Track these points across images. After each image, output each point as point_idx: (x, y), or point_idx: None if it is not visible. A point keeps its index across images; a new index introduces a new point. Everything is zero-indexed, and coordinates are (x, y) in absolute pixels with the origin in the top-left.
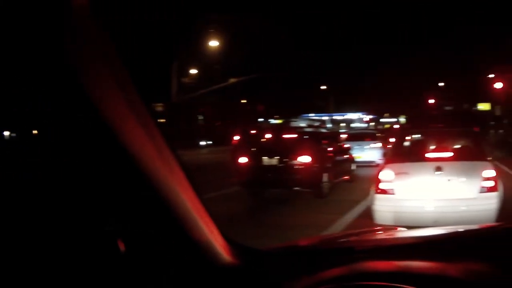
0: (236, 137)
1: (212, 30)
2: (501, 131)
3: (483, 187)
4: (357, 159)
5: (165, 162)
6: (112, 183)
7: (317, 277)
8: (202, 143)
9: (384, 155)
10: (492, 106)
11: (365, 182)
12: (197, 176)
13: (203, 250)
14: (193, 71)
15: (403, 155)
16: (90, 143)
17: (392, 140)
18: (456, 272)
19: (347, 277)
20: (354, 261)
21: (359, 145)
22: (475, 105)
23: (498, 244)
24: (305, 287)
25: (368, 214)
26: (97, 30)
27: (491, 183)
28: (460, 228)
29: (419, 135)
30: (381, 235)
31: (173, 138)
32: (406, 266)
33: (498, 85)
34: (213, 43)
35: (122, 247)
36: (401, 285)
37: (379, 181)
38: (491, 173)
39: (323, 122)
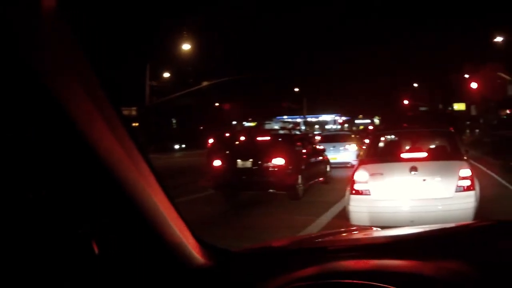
0: (211, 140)
1: (185, 33)
2: (477, 130)
3: (459, 186)
4: (332, 160)
5: (135, 166)
6: (84, 186)
7: (290, 276)
8: (176, 146)
9: (359, 156)
10: (468, 106)
11: (340, 183)
12: (172, 180)
13: (175, 252)
14: (167, 75)
15: (378, 155)
16: (59, 146)
17: (367, 141)
18: (431, 270)
19: (321, 276)
20: (328, 261)
21: (334, 147)
22: (451, 105)
23: (472, 242)
24: (278, 286)
25: (343, 215)
26: (65, 33)
27: (467, 182)
28: (435, 227)
29: (394, 136)
30: (356, 235)
31: (147, 142)
32: (381, 264)
33: (474, 85)
34: (186, 46)
35: (95, 249)
36: (376, 283)
37: (353, 182)
38: (467, 172)
39: (297, 124)
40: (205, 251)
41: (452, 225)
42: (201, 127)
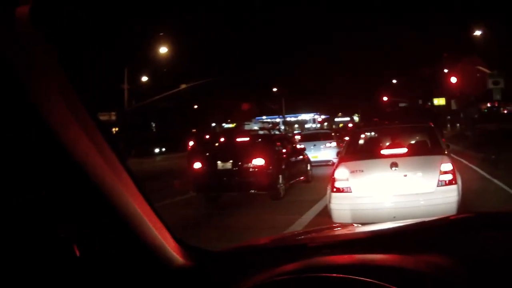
0: (191, 143)
1: (161, 34)
2: (458, 125)
3: (441, 180)
4: (313, 159)
5: (113, 170)
6: (64, 192)
7: (272, 272)
8: (156, 150)
9: (338, 153)
10: (448, 101)
11: (322, 181)
12: (156, 183)
13: (155, 253)
14: (145, 78)
15: (358, 153)
16: (37, 151)
17: (347, 138)
18: (412, 264)
19: (303, 271)
20: (310, 257)
21: (314, 145)
22: (430, 101)
23: (452, 235)
24: (258, 282)
25: (326, 213)
26: (39, 40)
27: (449, 177)
28: (416, 221)
29: (374, 133)
30: (338, 231)
31: (127, 146)
32: (363, 259)
33: (453, 80)
34: (164, 49)
35: (77, 252)
36: (358, 277)
37: (334, 179)
38: (449, 166)
39: (276, 124)
40: (185, 252)
41: (433, 218)
42: (194, 130)
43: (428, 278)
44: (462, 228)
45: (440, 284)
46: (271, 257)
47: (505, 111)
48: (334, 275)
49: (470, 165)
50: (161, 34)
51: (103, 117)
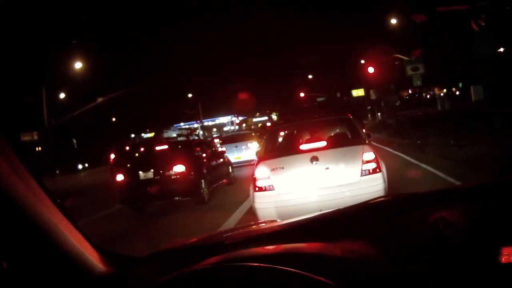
0: (112, 156)
1: (74, 42)
2: (379, 114)
3: (364, 170)
4: (236, 160)
5: (32, 192)
6: None
7: (192, 267)
8: (79, 166)
9: (257, 153)
10: (367, 91)
11: (245, 182)
12: (80, 200)
13: (76, 262)
14: (63, 95)
15: (277, 150)
16: None
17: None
18: (332, 251)
19: (223, 262)
20: (233, 250)
21: (236, 146)
22: (349, 92)
23: (369, 220)
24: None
25: (253, 212)
26: None
27: (372, 165)
28: (337, 209)
29: (292, 129)
30: (262, 226)
31: (52, 165)
32: (285, 249)
33: (371, 70)
34: (79, 65)
35: (4, 265)
36: (279, 267)
37: (255, 179)
38: (371, 155)
39: (194, 129)
40: (105, 259)
41: (352, 205)
42: (104, 145)
43: (345, 263)
44: (379, 212)
45: (356, 268)
46: (194, 254)
47: (428, 96)
48: (254, 264)
49: (396, 152)
50: (74, 41)
51: (26, 137)
